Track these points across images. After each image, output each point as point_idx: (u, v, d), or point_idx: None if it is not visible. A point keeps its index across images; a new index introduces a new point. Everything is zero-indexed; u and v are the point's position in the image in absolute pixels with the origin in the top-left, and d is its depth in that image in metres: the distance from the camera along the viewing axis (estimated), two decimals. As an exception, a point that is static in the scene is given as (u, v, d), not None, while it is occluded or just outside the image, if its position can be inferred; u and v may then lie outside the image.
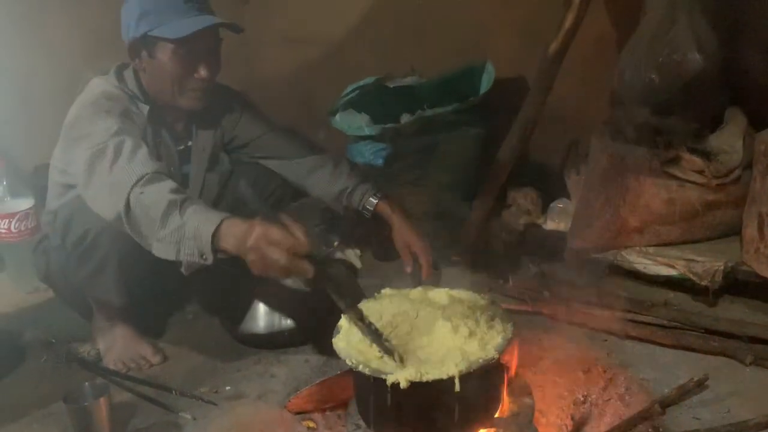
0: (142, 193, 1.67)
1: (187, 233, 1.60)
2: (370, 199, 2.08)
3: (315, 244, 1.56)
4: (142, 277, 1.99)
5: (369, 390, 1.45)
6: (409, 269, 2.00)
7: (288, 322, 2.02)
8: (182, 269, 1.70)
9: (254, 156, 2.20)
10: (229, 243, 1.57)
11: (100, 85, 1.95)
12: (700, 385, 1.70)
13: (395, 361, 1.42)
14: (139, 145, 1.78)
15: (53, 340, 2.15)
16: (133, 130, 1.84)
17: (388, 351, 1.43)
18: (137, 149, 1.76)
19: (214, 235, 1.57)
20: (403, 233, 2.01)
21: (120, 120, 1.83)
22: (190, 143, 2.11)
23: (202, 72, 1.92)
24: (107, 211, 1.73)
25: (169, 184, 1.70)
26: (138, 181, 1.68)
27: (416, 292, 1.66)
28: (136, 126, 1.89)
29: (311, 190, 2.20)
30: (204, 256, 1.60)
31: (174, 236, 1.61)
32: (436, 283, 2.18)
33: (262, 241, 1.52)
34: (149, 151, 1.79)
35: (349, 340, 1.50)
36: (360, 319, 1.50)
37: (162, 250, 1.64)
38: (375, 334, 1.47)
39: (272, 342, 2.04)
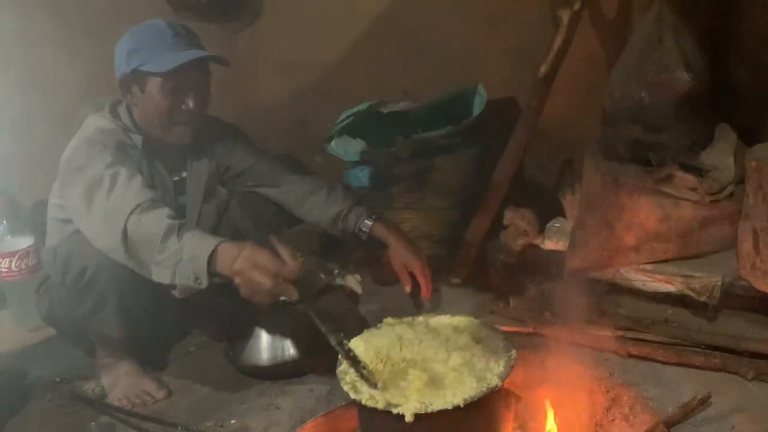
0: (139, 220, 1.71)
1: (184, 256, 1.64)
2: (365, 221, 2.10)
3: (305, 269, 1.60)
4: (143, 312, 2.00)
5: (374, 422, 1.46)
6: (408, 289, 2.01)
7: (291, 353, 2.03)
8: (175, 293, 1.71)
9: (249, 185, 2.22)
10: (223, 266, 1.62)
11: (95, 120, 2.00)
12: (704, 402, 1.71)
13: (372, 387, 1.44)
14: (134, 175, 1.83)
15: (57, 379, 2.16)
16: (127, 161, 1.89)
17: (366, 378, 1.46)
18: (132, 178, 1.82)
19: (210, 258, 1.62)
20: (400, 253, 2.02)
21: (115, 152, 1.88)
22: (185, 174, 2.14)
23: (191, 104, 1.96)
24: (104, 239, 1.78)
25: (166, 210, 1.75)
26: (135, 208, 1.73)
27: (418, 320, 1.67)
28: (131, 157, 1.93)
29: (307, 216, 2.22)
30: (198, 280, 1.64)
31: (171, 260, 1.66)
32: (436, 305, 2.20)
33: (246, 263, 1.58)
34: (144, 181, 1.85)
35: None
36: (340, 345, 1.53)
37: (159, 274, 1.68)
38: (354, 361, 1.50)
39: (276, 373, 2.04)
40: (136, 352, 2.08)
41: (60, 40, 2.85)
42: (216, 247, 1.63)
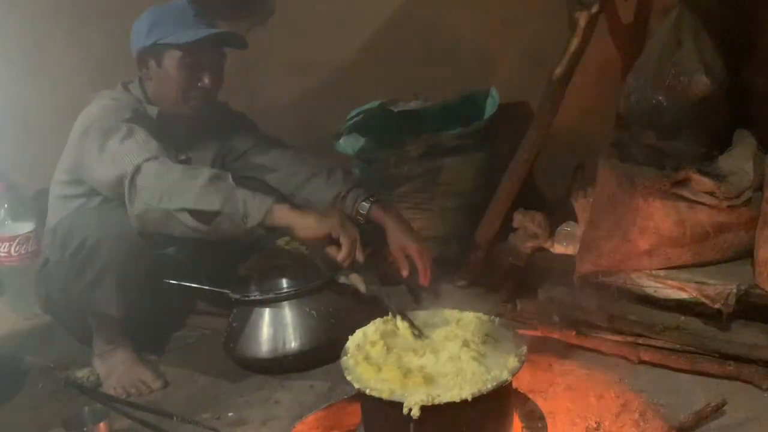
0: (165, 165, 1.77)
1: (238, 196, 1.69)
2: (363, 203, 2.09)
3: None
4: (143, 291, 1.96)
5: (378, 415, 1.41)
6: (405, 273, 1.99)
7: (292, 347, 1.98)
8: (208, 227, 1.72)
9: (250, 167, 2.21)
10: (283, 220, 1.71)
11: (108, 94, 2.03)
12: (718, 410, 1.65)
13: (418, 335, 1.53)
14: (152, 139, 1.86)
15: (52, 366, 2.12)
16: (143, 125, 1.90)
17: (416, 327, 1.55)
18: (150, 139, 1.85)
19: (269, 210, 1.69)
20: (397, 236, 2.01)
21: (132, 114, 1.92)
22: (191, 155, 2.13)
23: (206, 81, 1.99)
24: (106, 176, 1.82)
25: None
26: (152, 157, 1.77)
27: (427, 314, 1.64)
28: (146, 124, 1.94)
29: (306, 200, 2.19)
30: (246, 219, 1.67)
31: (220, 193, 1.69)
32: (436, 301, 2.16)
33: (339, 225, 1.72)
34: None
35: (356, 363, 1.47)
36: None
37: (202, 200, 1.70)
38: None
39: (276, 367, 2.00)
40: (134, 339, 2.04)
41: (67, 28, 2.85)
42: (273, 203, 1.71)
